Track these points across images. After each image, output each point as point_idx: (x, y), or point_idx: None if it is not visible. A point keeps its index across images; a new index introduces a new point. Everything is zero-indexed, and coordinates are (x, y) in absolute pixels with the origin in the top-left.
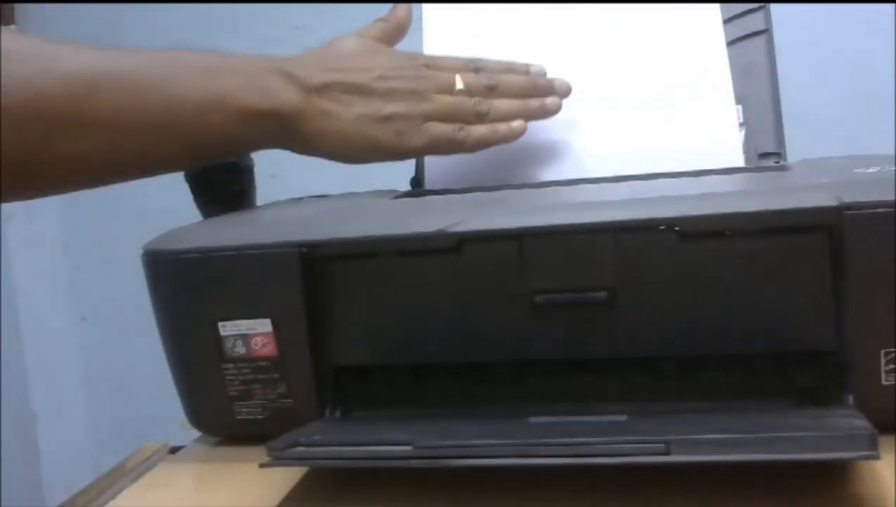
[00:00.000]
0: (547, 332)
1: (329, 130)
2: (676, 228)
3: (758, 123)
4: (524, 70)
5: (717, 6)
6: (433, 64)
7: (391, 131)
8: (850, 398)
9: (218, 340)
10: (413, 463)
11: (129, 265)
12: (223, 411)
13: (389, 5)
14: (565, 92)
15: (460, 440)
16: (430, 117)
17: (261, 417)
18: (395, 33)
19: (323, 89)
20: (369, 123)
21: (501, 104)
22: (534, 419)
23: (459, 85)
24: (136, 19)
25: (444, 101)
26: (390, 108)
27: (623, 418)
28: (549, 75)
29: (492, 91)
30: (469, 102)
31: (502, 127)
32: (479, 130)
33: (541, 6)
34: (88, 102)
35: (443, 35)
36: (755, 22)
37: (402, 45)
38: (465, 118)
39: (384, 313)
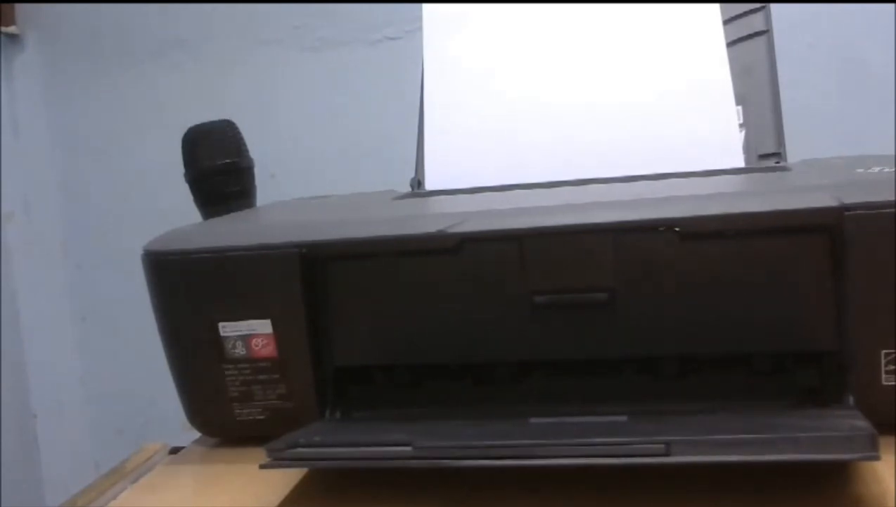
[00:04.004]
0: (547, 332)
1: None
2: (676, 229)
3: (758, 124)
4: None
5: (717, 6)
6: None
7: None
8: (850, 398)
9: (218, 340)
10: (413, 464)
11: (129, 265)
12: (223, 411)
13: (389, 6)
14: None
15: (460, 440)
16: None
17: (261, 417)
18: None
19: None
20: None
21: None
22: (534, 420)
23: None
24: (136, 20)
25: None
26: None
27: (623, 418)
28: (548, 76)
29: None
30: None
31: None
32: None
33: (540, 6)
34: None
35: (443, 35)
36: (755, 22)
37: (403, 46)
38: None
39: (384, 314)
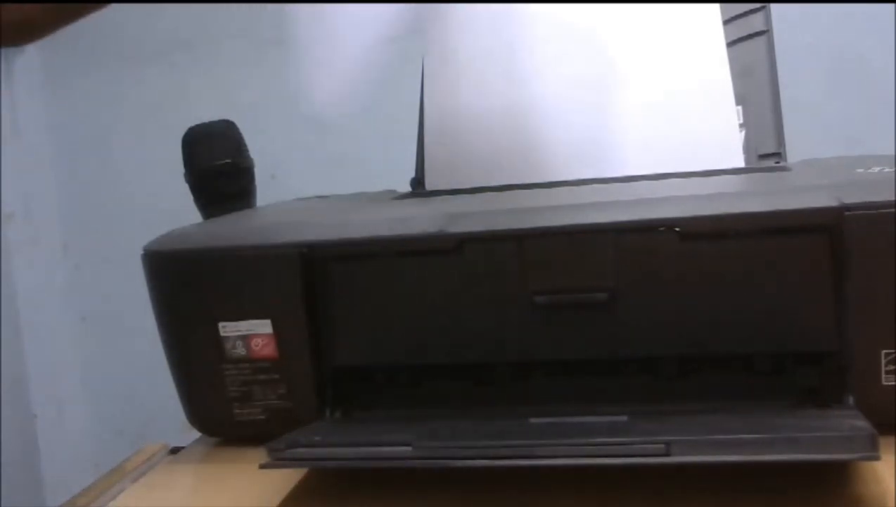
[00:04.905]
0: (547, 333)
1: None
2: (677, 229)
3: (758, 124)
4: None
5: (716, 6)
6: None
7: None
8: (850, 398)
9: (218, 340)
10: (413, 464)
11: (129, 265)
12: (223, 411)
13: (389, 6)
14: None
15: (460, 440)
16: None
17: (261, 417)
18: None
19: None
20: None
21: None
22: (534, 420)
23: None
24: (137, 20)
25: None
26: None
27: (623, 418)
28: (548, 76)
29: None
30: None
31: None
32: None
33: (541, 7)
34: None
35: (443, 35)
36: (755, 23)
37: (402, 46)
38: None
39: (384, 314)
